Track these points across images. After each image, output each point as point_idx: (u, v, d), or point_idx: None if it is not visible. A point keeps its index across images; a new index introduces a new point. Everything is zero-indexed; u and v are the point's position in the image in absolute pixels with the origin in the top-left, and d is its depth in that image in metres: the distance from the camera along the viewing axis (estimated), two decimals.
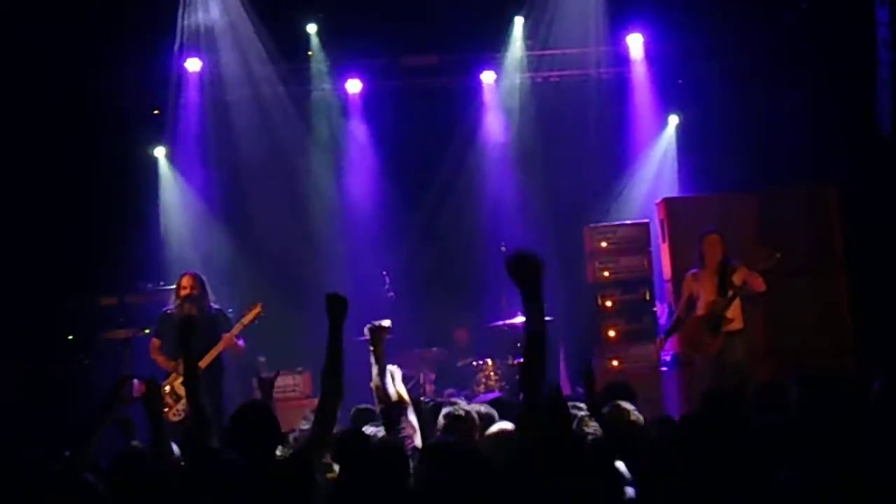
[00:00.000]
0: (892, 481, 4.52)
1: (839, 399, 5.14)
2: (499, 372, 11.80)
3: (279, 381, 11.66)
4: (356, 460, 5.42)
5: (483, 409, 6.69)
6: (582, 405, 7.00)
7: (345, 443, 5.63)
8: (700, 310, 10.26)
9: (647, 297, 11.90)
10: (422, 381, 11.80)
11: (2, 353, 11.35)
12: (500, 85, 13.84)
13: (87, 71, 12.12)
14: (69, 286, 12.04)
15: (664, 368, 11.61)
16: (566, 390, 11.92)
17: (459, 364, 12.28)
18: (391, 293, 12.08)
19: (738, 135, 12.76)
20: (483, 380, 11.79)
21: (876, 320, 11.18)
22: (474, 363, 11.91)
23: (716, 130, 13.03)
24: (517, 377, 11.47)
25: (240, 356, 10.26)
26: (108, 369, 10.76)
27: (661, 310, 12.00)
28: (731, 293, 10.08)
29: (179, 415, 9.64)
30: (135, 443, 6.27)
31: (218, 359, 9.87)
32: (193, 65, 13.08)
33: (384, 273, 12.16)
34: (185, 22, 12.86)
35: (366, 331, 6.96)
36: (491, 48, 13.63)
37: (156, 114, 13.19)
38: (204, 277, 10.35)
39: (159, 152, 13.44)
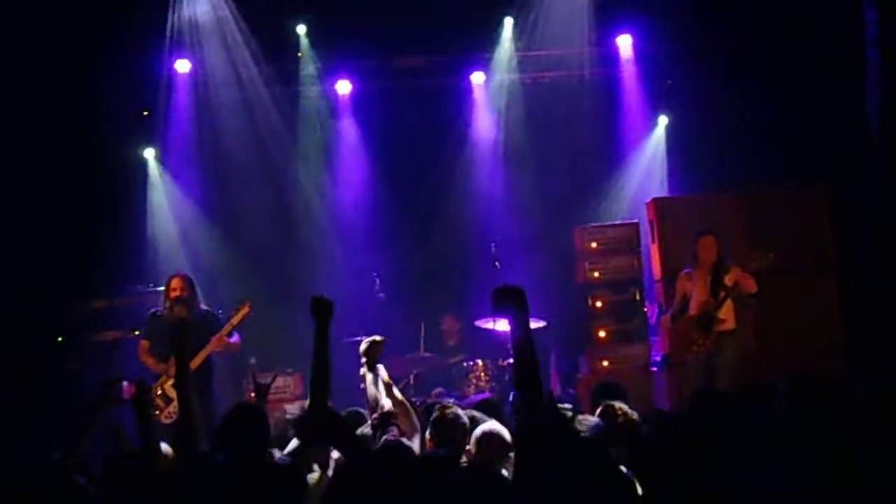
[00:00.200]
0: (876, 481, 4.54)
1: (827, 400, 5.15)
2: (489, 373, 11.79)
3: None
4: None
5: (472, 412, 6.66)
6: (568, 405, 7.03)
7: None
8: (692, 309, 10.29)
9: (638, 298, 11.91)
10: (411, 382, 11.79)
11: None
12: (490, 86, 13.85)
13: (77, 72, 12.07)
14: (58, 288, 12.00)
15: (654, 369, 11.63)
16: (556, 392, 11.94)
17: (451, 362, 12.25)
18: (381, 294, 12.08)
19: (727, 135, 12.78)
20: (474, 380, 11.78)
21: (866, 320, 11.20)
22: (465, 364, 11.91)
23: (705, 130, 13.05)
24: (507, 378, 11.51)
25: (235, 352, 10.27)
26: (97, 371, 10.74)
27: (651, 310, 12.01)
28: (722, 294, 10.12)
29: (171, 417, 9.62)
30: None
31: (207, 360, 9.87)
32: (183, 66, 13.07)
33: (374, 274, 12.16)
34: (175, 23, 12.84)
35: (362, 346, 6.92)
36: (481, 49, 13.64)
37: (145, 115, 13.17)
38: (193, 279, 10.35)
39: (149, 154, 13.40)
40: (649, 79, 13.63)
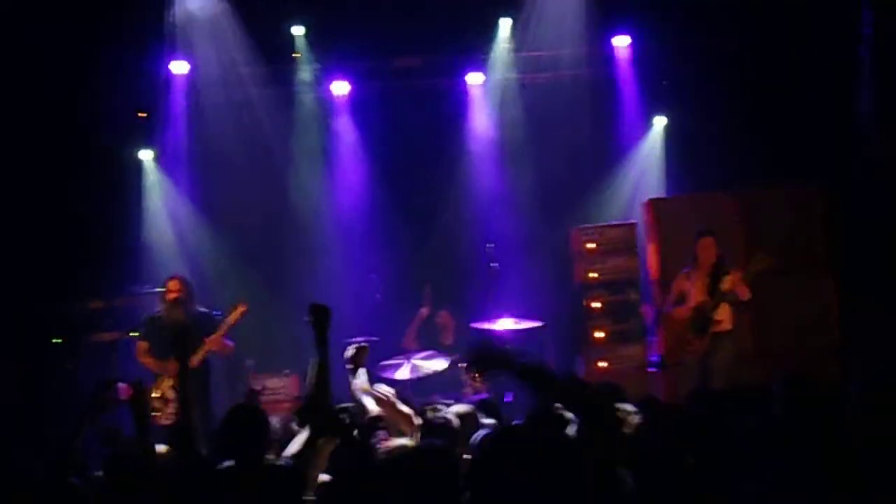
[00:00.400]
0: (873, 481, 4.54)
1: (823, 400, 5.16)
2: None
3: (267, 383, 11.78)
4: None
5: (465, 408, 6.67)
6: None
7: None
8: (688, 310, 10.31)
9: (635, 298, 11.92)
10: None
11: None
12: (487, 86, 13.85)
13: (74, 74, 12.07)
14: (56, 289, 12.00)
15: (651, 369, 11.64)
16: None
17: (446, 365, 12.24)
18: (378, 295, 12.08)
19: (724, 135, 12.77)
20: (470, 382, 11.76)
21: (862, 320, 11.21)
22: (461, 365, 11.88)
23: (702, 131, 13.04)
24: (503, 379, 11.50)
25: (228, 355, 10.27)
26: (94, 372, 10.74)
27: (648, 311, 12.01)
28: (715, 298, 10.15)
29: (169, 418, 9.64)
30: None
31: (205, 361, 9.88)
32: (180, 67, 13.06)
33: (372, 275, 12.16)
34: (172, 24, 12.84)
35: (348, 351, 6.93)
36: (478, 50, 13.63)
37: (142, 116, 13.16)
38: (190, 281, 10.37)
39: (146, 155, 13.40)
40: (646, 79, 13.61)
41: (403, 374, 11.02)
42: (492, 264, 11.70)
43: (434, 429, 6.21)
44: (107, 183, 12.64)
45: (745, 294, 10.07)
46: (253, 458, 5.15)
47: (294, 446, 5.41)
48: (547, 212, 13.32)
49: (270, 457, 5.45)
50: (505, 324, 11.41)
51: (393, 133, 13.33)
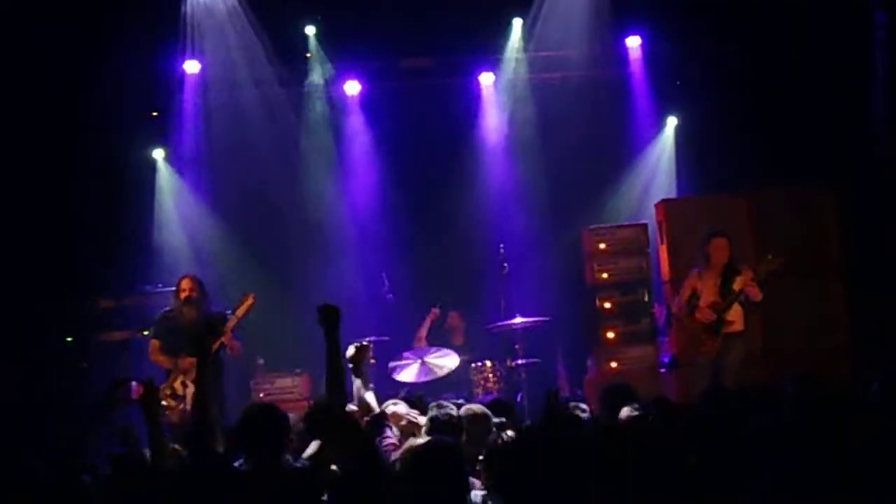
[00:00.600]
0: (884, 482, 4.54)
1: (833, 401, 5.15)
2: (497, 373, 11.79)
3: (277, 383, 11.80)
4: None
5: (477, 408, 6.68)
6: (584, 406, 7.01)
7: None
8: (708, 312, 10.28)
9: (646, 299, 11.91)
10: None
11: (1, 355, 11.35)
12: (499, 86, 13.85)
13: (87, 72, 12.11)
14: (68, 288, 12.03)
15: (662, 370, 11.63)
16: (565, 392, 11.93)
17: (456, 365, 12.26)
18: (390, 294, 12.09)
19: (735, 136, 12.76)
20: (482, 382, 11.78)
21: (873, 322, 11.19)
22: (473, 365, 11.90)
23: (714, 132, 13.04)
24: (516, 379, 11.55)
25: (236, 355, 10.28)
26: (106, 371, 10.77)
27: (659, 311, 12.00)
28: (728, 299, 10.12)
29: (181, 416, 9.66)
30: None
31: (217, 359, 9.88)
32: (192, 67, 13.08)
33: (383, 275, 12.17)
34: (185, 24, 12.86)
35: (350, 350, 6.93)
36: (490, 50, 13.63)
37: (155, 116, 13.19)
38: (202, 280, 10.39)
39: (158, 154, 13.43)
40: (658, 80, 13.61)
41: (413, 374, 11.03)
42: (504, 265, 11.71)
43: (440, 425, 6.21)
44: (119, 182, 12.67)
45: (756, 295, 10.04)
46: (270, 459, 5.11)
47: (312, 448, 5.40)
48: (558, 212, 13.32)
49: (288, 457, 5.44)
50: (517, 323, 11.45)
51: (405, 133, 13.32)
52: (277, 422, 5.27)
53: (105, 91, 12.20)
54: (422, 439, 6.34)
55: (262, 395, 11.75)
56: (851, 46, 12.04)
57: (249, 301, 9.96)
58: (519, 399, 11.22)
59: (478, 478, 5.41)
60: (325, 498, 5.13)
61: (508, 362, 11.74)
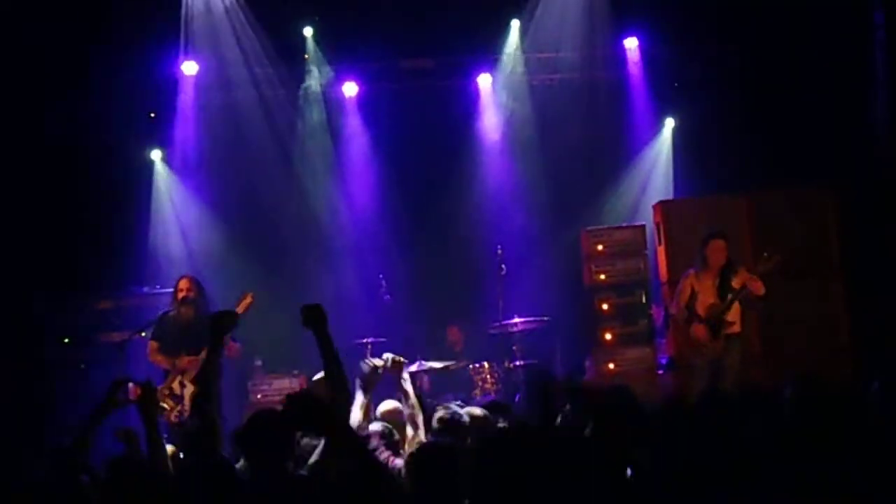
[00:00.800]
0: (889, 482, 4.53)
1: (834, 402, 5.13)
2: (496, 375, 11.80)
3: (275, 384, 11.80)
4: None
5: (478, 411, 6.68)
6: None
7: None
8: (699, 312, 10.26)
9: (644, 300, 11.90)
10: (418, 382, 11.79)
11: None
12: (497, 88, 13.85)
13: (84, 73, 12.10)
14: (65, 289, 12.02)
15: (660, 371, 11.63)
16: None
17: (451, 367, 12.27)
18: (387, 296, 12.08)
19: (734, 137, 12.77)
20: (480, 383, 11.79)
21: (873, 322, 11.19)
22: (471, 367, 11.90)
23: (712, 133, 13.05)
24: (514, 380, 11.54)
25: (235, 358, 10.25)
26: (104, 372, 10.74)
27: (657, 313, 12.00)
28: (729, 297, 10.09)
29: (179, 417, 9.65)
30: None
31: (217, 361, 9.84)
32: (190, 68, 13.07)
33: (381, 276, 12.15)
34: (183, 25, 12.85)
35: (365, 369, 6.87)
36: (488, 51, 13.64)
37: (152, 117, 13.18)
38: (200, 281, 10.38)
39: (156, 155, 13.42)
40: (656, 81, 13.62)
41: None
42: (502, 266, 11.72)
43: (448, 426, 6.20)
44: (116, 182, 12.67)
45: (759, 290, 9.97)
46: (273, 466, 5.03)
47: (316, 455, 5.35)
48: (556, 213, 13.33)
49: (290, 464, 5.39)
50: (516, 324, 11.47)
51: (403, 134, 13.33)
52: (282, 429, 5.16)
53: (103, 92, 12.20)
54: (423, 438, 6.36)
55: (259, 396, 11.75)
56: (850, 46, 12.04)
57: (248, 300, 9.92)
58: (517, 400, 11.21)
59: None
60: None
61: (507, 363, 11.74)
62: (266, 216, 13.30)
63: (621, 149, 13.91)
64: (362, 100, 13.73)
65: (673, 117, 13.92)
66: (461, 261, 13.16)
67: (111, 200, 12.56)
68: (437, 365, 11.18)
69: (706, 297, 10.21)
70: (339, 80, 13.57)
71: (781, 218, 11.41)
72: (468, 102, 13.88)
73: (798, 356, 10.61)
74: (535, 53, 13.61)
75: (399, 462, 6.17)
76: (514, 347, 11.77)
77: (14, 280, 11.58)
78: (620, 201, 13.83)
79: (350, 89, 13.66)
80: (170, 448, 6.30)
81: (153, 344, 10.17)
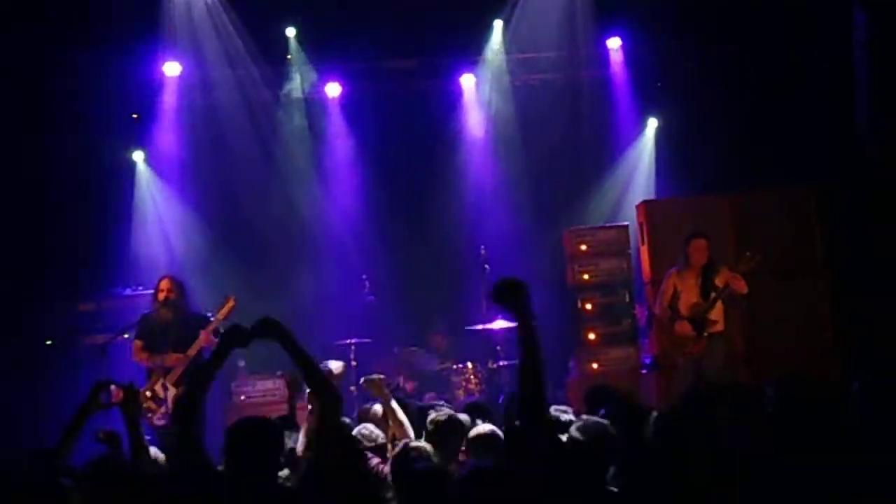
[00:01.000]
0: (871, 480, 4.54)
1: (816, 401, 5.14)
2: (479, 376, 11.80)
3: (258, 385, 11.78)
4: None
5: (461, 416, 6.67)
6: (567, 408, 7.00)
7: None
8: (683, 311, 10.27)
9: (627, 300, 11.91)
10: (401, 384, 11.79)
11: None
12: (480, 88, 13.85)
13: (66, 73, 12.07)
14: (47, 291, 11.98)
15: (644, 371, 11.64)
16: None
17: (437, 368, 12.29)
18: (371, 296, 12.06)
19: (716, 137, 12.79)
20: (463, 384, 11.79)
21: (856, 321, 11.21)
22: (454, 367, 11.90)
23: (695, 133, 13.07)
24: (500, 380, 11.54)
25: None
26: (85, 374, 10.69)
27: (640, 312, 12.00)
28: (713, 296, 10.11)
29: (163, 419, 9.63)
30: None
31: (199, 357, 9.83)
32: (172, 69, 13.04)
33: (364, 277, 12.14)
34: (165, 26, 12.82)
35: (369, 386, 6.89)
36: (471, 51, 13.64)
37: (135, 117, 13.15)
38: (182, 281, 10.34)
39: (138, 156, 13.38)
40: (639, 81, 13.64)
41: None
42: (485, 266, 11.71)
43: (441, 428, 6.20)
44: (98, 183, 12.64)
45: (742, 288, 10.00)
46: (260, 477, 4.92)
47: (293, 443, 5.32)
48: (540, 213, 13.33)
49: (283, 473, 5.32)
50: (498, 324, 11.45)
51: (386, 134, 13.33)
52: (271, 439, 5.03)
53: (85, 92, 12.16)
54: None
55: (242, 397, 11.73)
56: (833, 47, 12.06)
57: (230, 304, 9.92)
58: (500, 401, 11.20)
59: None
60: None
61: (490, 364, 11.74)
62: (249, 217, 13.28)
63: (604, 149, 13.92)
64: (345, 100, 13.72)
65: (656, 117, 13.93)
66: (444, 261, 13.15)
67: (93, 202, 12.53)
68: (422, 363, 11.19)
69: (689, 297, 10.24)
70: (322, 80, 13.55)
71: (764, 218, 11.43)
72: (451, 103, 13.87)
73: (782, 356, 10.61)
74: (518, 54, 13.62)
75: (386, 468, 6.17)
76: (497, 348, 11.76)
77: None
78: (604, 201, 13.84)
79: (333, 90, 13.64)
80: (155, 452, 6.27)
81: (137, 342, 10.13)
